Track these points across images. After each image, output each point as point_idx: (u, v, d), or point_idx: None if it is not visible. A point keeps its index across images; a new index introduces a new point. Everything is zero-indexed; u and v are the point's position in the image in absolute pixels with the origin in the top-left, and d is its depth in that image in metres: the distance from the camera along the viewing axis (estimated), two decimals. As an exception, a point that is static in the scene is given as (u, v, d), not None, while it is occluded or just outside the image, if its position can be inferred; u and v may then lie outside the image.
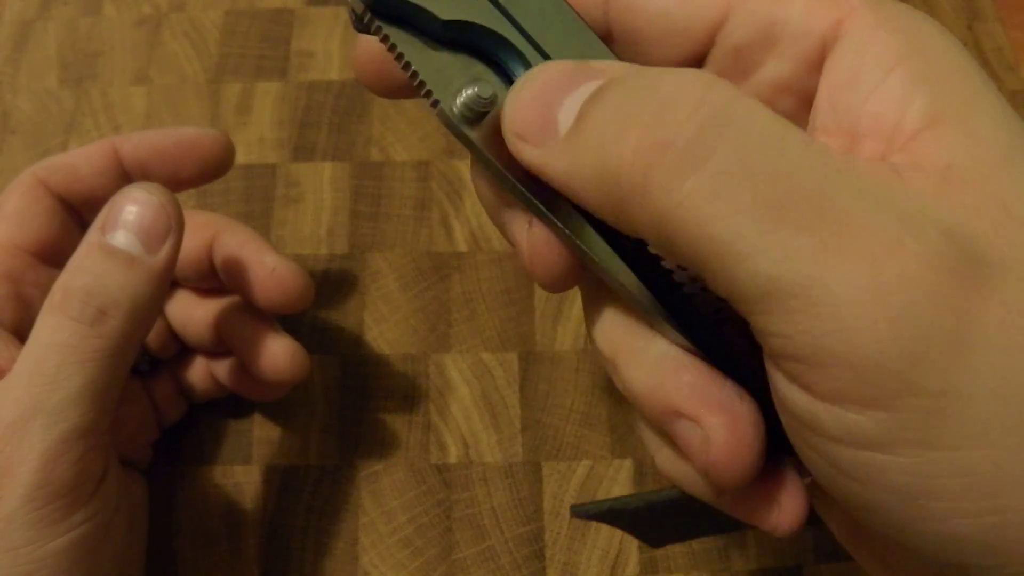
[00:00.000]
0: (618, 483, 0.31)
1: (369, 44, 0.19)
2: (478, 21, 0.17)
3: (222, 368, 0.29)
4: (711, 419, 0.16)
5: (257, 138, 0.36)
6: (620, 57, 0.18)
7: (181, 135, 0.27)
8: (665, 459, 0.19)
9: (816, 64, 0.17)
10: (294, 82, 0.38)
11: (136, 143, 0.27)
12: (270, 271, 0.27)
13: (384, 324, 0.33)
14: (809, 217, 0.13)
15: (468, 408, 0.32)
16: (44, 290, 0.24)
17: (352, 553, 0.30)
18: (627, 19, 0.18)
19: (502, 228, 0.19)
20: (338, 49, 0.38)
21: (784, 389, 0.15)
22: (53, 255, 0.26)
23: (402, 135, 0.37)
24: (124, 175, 0.27)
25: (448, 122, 0.17)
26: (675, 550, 0.30)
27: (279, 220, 0.35)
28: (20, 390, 0.21)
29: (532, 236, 0.18)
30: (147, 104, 0.37)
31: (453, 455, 0.31)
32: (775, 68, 0.18)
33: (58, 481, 0.21)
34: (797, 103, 0.18)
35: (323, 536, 0.30)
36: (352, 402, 0.32)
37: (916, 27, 0.16)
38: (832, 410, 0.14)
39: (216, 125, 0.37)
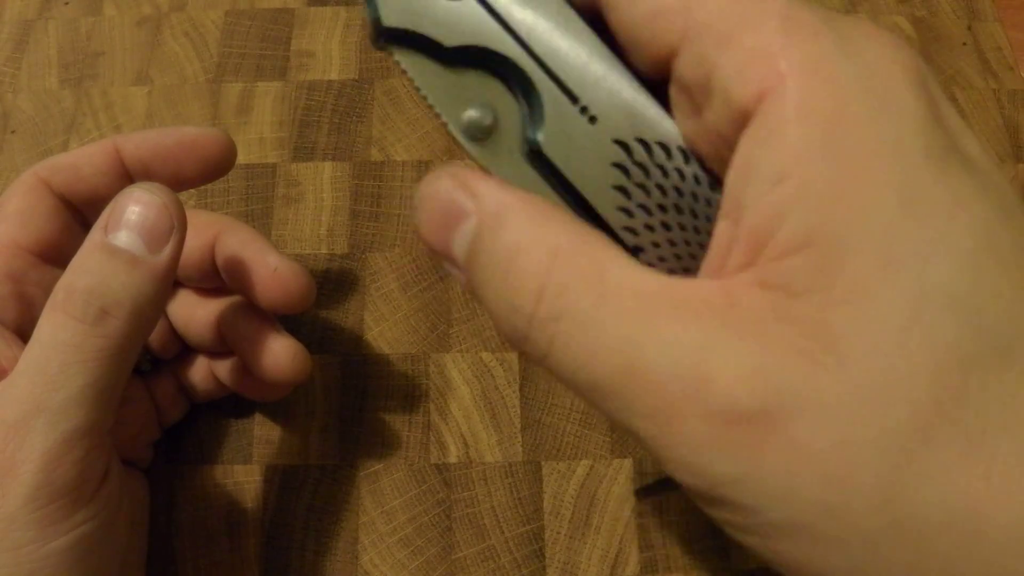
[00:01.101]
0: (618, 483, 0.31)
1: None
2: (482, 44, 0.18)
3: (223, 368, 0.29)
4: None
5: (257, 138, 0.36)
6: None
7: (183, 134, 0.27)
8: None
9: (742, 127, 0.16)
10: (294, 82, 0.38)
11: (138, 143, 0.27)
12: (272, 271, 0.27)
13: (384, 324, 0.33)
14: (625, 387, 0.15)
15: (468, 408, 0.32)
16: (47, 290, 0.24)
17: (352, 553, 0.30)
18: (611, 19, 0.18)
19: None
20: (338, 49, 0.38)
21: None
22: (55, 255, 0.26)
23: (402, 135, 0.37)
24: (126, 175, 0.27)
25: (455, 141, 0.18)
26: (675, 550, 0.30)
27: (279, 220, 0.35)
28: (22, 389, 0.21)
29: None
30: (147, 104, 0.37)
31: (453, 455, 0.31)
32: (711, 118, 0.16)
33: (60, 481, 0.21)
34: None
35: (323, 536, 0.30)
36: (352, 402, 0.32)
37: (841, 106, 0.15)
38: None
39: (216, 125, 0.37)
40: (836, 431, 0.14)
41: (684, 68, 0.16)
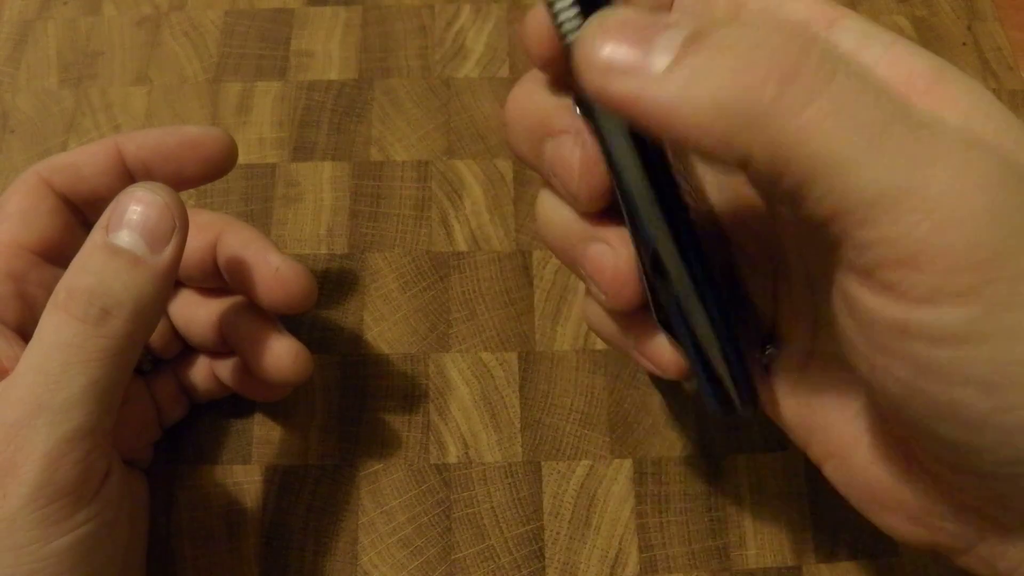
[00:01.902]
0: (618, 483, 0.31)
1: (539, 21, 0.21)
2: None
3: (224, 368, 0.29)
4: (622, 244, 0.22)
5: (257, 138, 0.36)
6: None
7: (184, 134, 0.27)
8: (587, 310, 0.25)
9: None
10: (294, 82, 0.38)
11: (139, 142, 0.27)
12: (274, 271, 0.27)
13: (384, 324, 0.33)
14: (909, 133, 0.16)
15: (468, 408, 0.32)
16: (48, 289, 0.24)
17: (352, 553, 0.30)
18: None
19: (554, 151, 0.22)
20: (338, 49, 0.38)
21: (873, 303, 0.17)
22: (56, 254, 0.26)
23: (402, 135, 0.37)
24: (127, 174, 0.27)
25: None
26: (675, 550, 0.30)
27: (279, 220, 0.35)
28: (24, 389, 0.21)
29: (586, 150, 0.21)
30: (147, 104, 0.37)
31: (453, 455, 0.31)
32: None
33: (62, 480, 0.21)
34: None
35: (323, 536, 0.30)
36: (352, 402, 0.32)
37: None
38: (925, 310, 0.16)
39: (216, 125, 0.37)
40: None
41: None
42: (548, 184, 0.23)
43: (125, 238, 0.22)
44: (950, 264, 0.15)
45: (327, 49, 0.38)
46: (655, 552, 0.30)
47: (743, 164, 0.16)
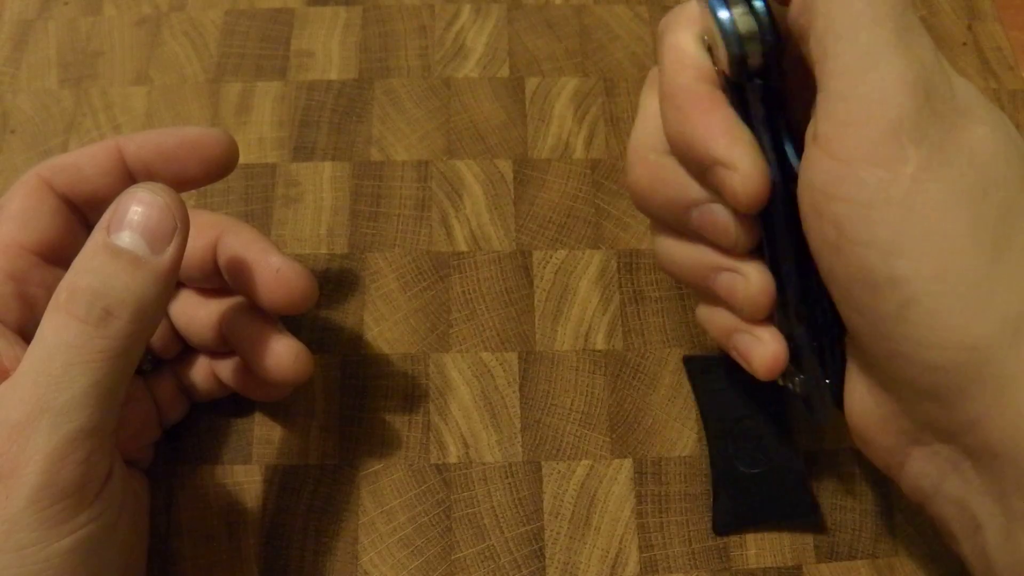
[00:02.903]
0: (618, 483, 0.31)
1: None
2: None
3: (225, 368, 0.29)
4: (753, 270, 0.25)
5: (257, 138, 0.36)
6: None
7: (185, 135, 0.27)
8: (705, 311, 0.27)
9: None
10: (294, 82, 0.38)
11: (140, 143, 0.27)
12: (275, 272, 0.27)
13: (384, 324, 0.33)
14: (897, 29, 0.20)
15: (468, 408, 0.32)
16: (49, 290, 0.24)
17: (352, 553, 0.30)
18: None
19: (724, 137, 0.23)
20: (338, 49, 0.38)
21: (814, 162, 0.21)
22: (58, 255, 0.26)
23: (402, 135, 0.37)
24: (128, 175, 0.27)
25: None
26: (675, 550, 0.30)
27: (279, 220, 0.35)
28: (26, 390, 0.21)
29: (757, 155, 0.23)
30: (147, 104, 0.37)
31: (453, 455, 0.31)
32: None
33: (64, 482, 0.21)
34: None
35: (323, 536, 0.30)
36: (352, 402, 0.32)
37: None
38: (845, 167, 0.20)
39: (216, 125, 0.37)
40: (983, 132, 0.21)
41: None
42: (676, 232, 0.26)
43: (126, 239, 0.22)
44: (872, 134, 0.20)
45: (327, 49, 0.38)
46: (655, 552, 0.30)
47: None
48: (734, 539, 0.30)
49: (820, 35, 0.21)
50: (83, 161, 0.26)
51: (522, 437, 0.31)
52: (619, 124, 0.37)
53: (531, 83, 0.38)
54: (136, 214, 0.22)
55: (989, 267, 0.19)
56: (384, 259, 0.34)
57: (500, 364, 0.32)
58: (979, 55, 0.39)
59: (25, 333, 0.24)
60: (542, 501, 0.30)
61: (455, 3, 0.39)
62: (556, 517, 0.30)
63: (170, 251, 0.23)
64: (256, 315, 0.28)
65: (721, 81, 0.24)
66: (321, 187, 0.35)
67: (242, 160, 0.36)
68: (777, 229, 0.24)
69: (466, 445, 0.31)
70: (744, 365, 0.26)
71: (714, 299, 0.26)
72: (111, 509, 0.22)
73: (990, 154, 0.20)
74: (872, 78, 0.20)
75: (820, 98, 0.21)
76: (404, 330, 0.33)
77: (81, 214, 0.27)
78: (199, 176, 0.27)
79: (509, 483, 0.31)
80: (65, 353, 0.21)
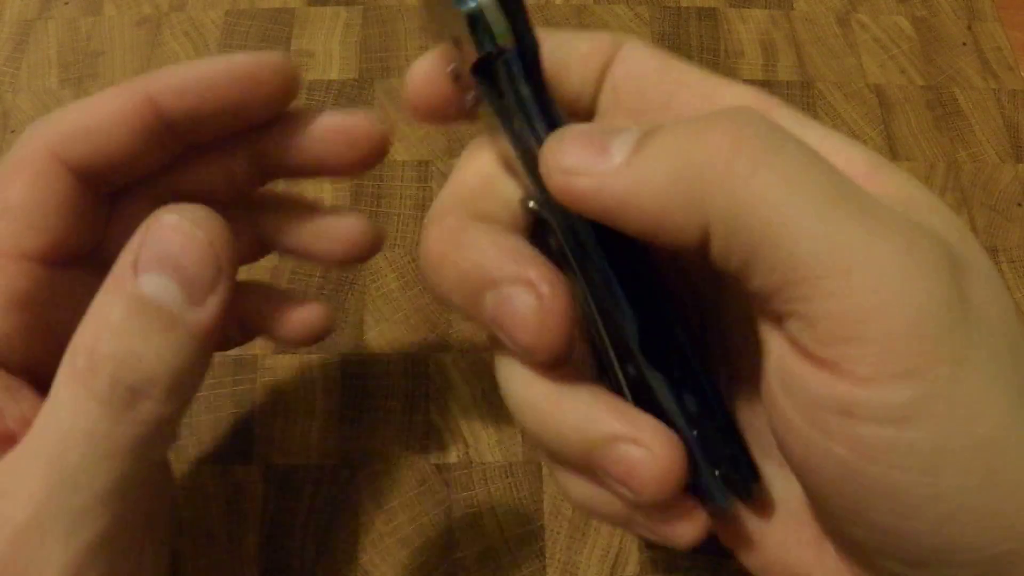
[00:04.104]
0: (618, 483, 0.31)
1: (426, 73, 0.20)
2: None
3: (250, 306, 0.24)
4: (651, 437, 0.18)
5: (257, 138, 0.36)
6: None
7: (233, 67, 0.21)
8: (583, 493, 0.20)
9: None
10: (294, 82, 0.38)
11: (179, 89, 0.20)
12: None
13: (384, 324, 0.33)
14: (856, 210, 0.15)
15: (468, 408, 0.32)
16: (63, 303, 0.20)
17: (352, 553, 0.30)
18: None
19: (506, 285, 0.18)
20: (338, 49, 0.38)
21: (814, 382, 0.16)
22: (71, 253, 0.20)
23: (402, 135, 0.37)
24: (166, 134, 0.21)
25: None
26: (675, 550, 0.30)
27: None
28: (35, 484, 0.17)
29: (543, 300, 0.18)
30: (147, 104, 0.37)
31: (453, 455, 0.31)
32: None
33: None
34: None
35: (323, 536, 0.30)
36: (352, 402, 0.32)
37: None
38: (868, 389, 0.15)
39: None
40: (995, 288, 0.17)
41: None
42: (491, 340, 0.20)
43: (157, 285, 0.18)
44: (894, 344, 0.15)
45: (328, 49, 0.38)
46: (656, 552, 0.30)
47: (701, 241, 0.16)
48: (734, 539, 0.30)
49: (767, 267, 0.16)
50: (103, 124, 0.20)
51: (522, 437, 0.31)
52: (619, 124, 0.37)
53: (531, 83, 0.38)
54: (170, 252, 0.18)
55: None
56: (384, 259, 0.34)
57: (500, 364, 0.32)
58: (979, 55, 0.39)
59: (33, 370, 0.20)
60: (542, 501, 0.30)
61: (455, 3, 0.39)
62: (556, 517, 0.30)
63: (212, 302, 0.18)
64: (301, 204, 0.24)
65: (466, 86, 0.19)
66: (322, 187, 0.35)
67: (242, 160, 0.36)
68: (594, 262, 0.19)
69: (466, 445, 0.31)
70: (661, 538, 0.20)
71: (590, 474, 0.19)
72: None
73: (999, 307, 0.16)
74: (860, 285, 0.15)
75: (796, 322, 0.16)
76: (404, 330, 0.33)
77: (97, 187, 0.21)
78: (256, 117, 0.22)
79: (509, 483, 0.31)
80: (84, 443, 0.17)
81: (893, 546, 0.17)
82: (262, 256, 0.25)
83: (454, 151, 0.36)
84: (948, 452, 0.15)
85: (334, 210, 0.24)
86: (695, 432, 0.19)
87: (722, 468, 0.19)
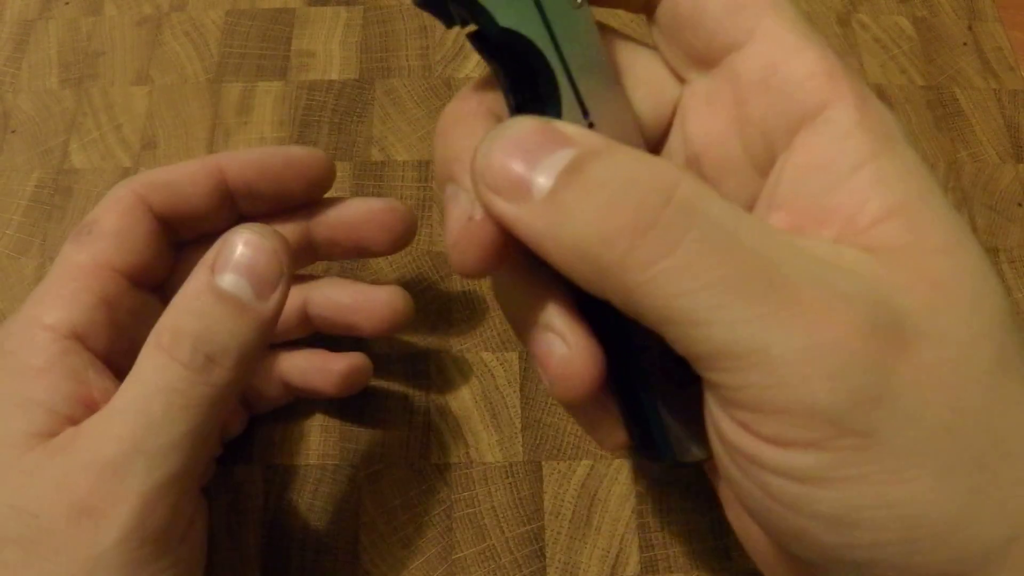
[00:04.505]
0: (619, 482, 0.31)
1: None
2: (530, 38, 0.19)
3: (294, 366, 0.29)
4: (577, 342, 0.19)
5: (258, 138, 0.36)
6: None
7: (291, 155, 0.27)
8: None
9: (792, 129, 0.19)
10: (295, 82, 0.38)
11: (244, 163, 0.26)
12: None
13: (384, 324, 0.33)
14: (760, 291, 0.16)
15: (468, 408, 0.32)
16: (136, 317, 0.24)
17: (352, 552, 0.30)
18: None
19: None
20: (338, 49, 0.38)
21: (729, 430, 0.17)
22: (147, 279, 0.25)
23: (403, 135, 0.37)
24: (229, 196, 0.26)
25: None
26: (676, 550, 0.30)
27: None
28: (123, 428, 0.21)
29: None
30: (148, 104, 0.37)
31: (453, 455, 0.31)
32: (757, 111, 0.19)
33: (153, 525, 0.21)
34: (760, 147, 0.20)
35: (323, 536, 0.30)
36: (352, 402, 0.32)
37: (887, 129, 0.18)
38: (774, 451, 0.16)
39: (217, 125, 0.37)
40: (952, 356, 0.16)
41: (744, 61, 0.19)
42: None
43: (232, 281, 0.22)
44: (794, 420, 0.16)
45: (328, 49, 0.38)
46: (656, 552, 0.30)
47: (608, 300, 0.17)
48: (735, 539, 0.30)
49: (673, 337, 0.17)
50: (182, 180, 0.26)
51: (523, 437, 0.31)
52: (620, 124, 0.37)
53: (532, 83, 0.38)
54: (243, 256, 0.22)
55: (965, 505, 0.16)
56: (385, 259, 0.34)
57: (501, 364, 0.32)
58: (979, 55, 0.39)
59: (111, 360, 0.24)
60: (543, 501, 0.30)
61: (456, 3, 0.39)
62: (557, 517, 0.30)
63: (275, 298, 0.22)
64: (343, 283, 0.29)
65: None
66: (322, 187, 0.35)
67: (243, 160, 0.36)
68: None
69: (466, 445, 0.31)
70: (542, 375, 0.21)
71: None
72: (192, 555, 0.22)
73: (952, 347, 0.16)
74: (762, 366, 0.16)
75: (703, 375, 0.17)
76: (405, 330, 0.33)
77: (172, 233, 0.26)
78: (300, 196, 0.27)
79: (510, 483, 0.31)
80: (166, 396, 0.21)
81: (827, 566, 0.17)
82: (309, 331, 0.30)
83: (454, 151, 0.36)
84: (861, 510, 0.16)
85: (373, 287, 0.29)
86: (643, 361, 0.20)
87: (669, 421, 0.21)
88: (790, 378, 0.15)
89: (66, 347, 0.23)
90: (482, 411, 0.32)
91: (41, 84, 0.38)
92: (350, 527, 0.30)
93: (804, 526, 0.16)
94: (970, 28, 0.40)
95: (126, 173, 0.36)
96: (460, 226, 0.19)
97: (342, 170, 0.36)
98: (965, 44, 0.39)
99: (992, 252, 0.35)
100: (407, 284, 0.34)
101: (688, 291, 0.16)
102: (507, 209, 0.18)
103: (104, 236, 0.24)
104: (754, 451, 0.16)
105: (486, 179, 0.18)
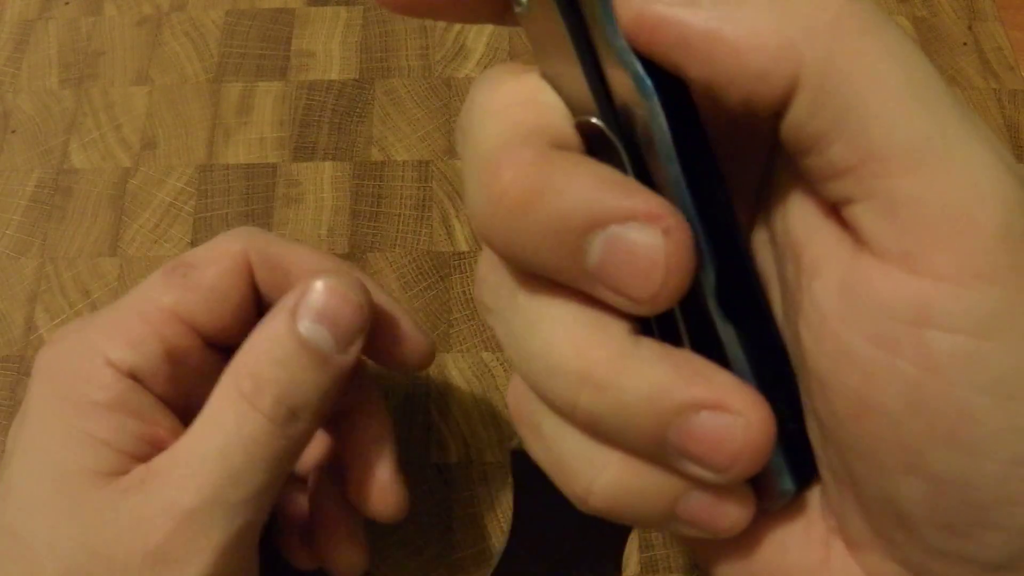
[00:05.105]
0: (618, 483, 0.31)
1: None
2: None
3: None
4: (740, 401, 0.15)
5: (258, 138, 0.36)
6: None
7: (404, 332, 0.25)
8: (623, 483, 0.16)
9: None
10: (294, 82, 0.38)
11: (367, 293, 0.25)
12: (383, 489, 0.25)
13: (384, 324, 0.33)
14: (953, 105, 0.14)
15: (468, 407, 0.32)
16: (198, 374, 0.23)
17: (352, 553, 0.30)
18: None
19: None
20: (338, 49, 0.38)
21: (885, 285, 0.14)
22: (222, 341, 0.24)
23: (402, 135, 0.37)
24: None
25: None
26: (675, 550, 0.30)
27: (280, 220, 0.35)
28: (204, 477, 0.20)
29: (680, 222, 0.15)
30: (148, 104, 0.37)
31: (453, 454, 0.31)
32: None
33: (225, 574, 0.21)
34: None
35: (323, 536, 0.30)
36: (352, 402, 0.32)
37: None
38: (947, 289, 0.13)
39: (217, 125, 0.37)
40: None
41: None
42: (580, 301, 0.16)
43: (315, 331, 0.21)
44: (985, 241, 0.13)
45: (328, 49, 0.38)
46: (655, 552, 0.30)
47: (784, 93, 0.14)
48: (735, 539, 0.30)
49: (856, 133, 0.14)
50: (295, 265, 0.24)
51: (522, 436, 0.31)
52: (620, 124, 0.37)
53: (532, 83, 0.38)
54: (328, 307, 0.21)
55: None
56: (385, 259, 0.34)
57: (500, 364, 0.32)
58: (979, 55, 0.39)
59: (167, 403, 0.23)
60: (542, 501, 0.30)
61: (456, 3, 0.39)
62: (556, 517, 0.30)
63: (352, 350, 0.22)
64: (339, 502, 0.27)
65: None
66: (322, 187, 0.35)
67: (242, 160, 0.36)
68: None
69: (466, 445, 0.31)
70: (705, 531, 0.16)
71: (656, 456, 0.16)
72: None
73: None
74: (957, 172, 0.14)
75: (874, 206, 0.14)
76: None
77: (261, 303, 0.25)
78: (388, 362, 0.26)
79: (509, 483, 0.31)
80: (248, 448, 0.20)
81: (949, 504, 0.14)
82: None
83: (455, 151, 0.36)
84: None
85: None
86: (768, 399, 0.16)
87: (789, 446, 0.16)
88: (990, 189, 0.13)
89: (131, 386, 0.22)
90: (482, 411, 0.32)
91: (41, 84, 0.38)
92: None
93: (966, 406, 0.13)
94: (970, 28, 0.40)
95: (126, 173, 0.36)
96: (660, 249, 0.14)
97: (342, 170, 0.36)
98: (965, 44, 0.39)
99: (992, 252, 0.35)
100: (407, 284, 0.34)
101: (893, 73, 0.14)
102: (670, 7, 0.14)
103: (198, 289, 0.23)
104: (921, 297, 0.14)
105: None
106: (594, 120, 0.16)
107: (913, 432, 0.14)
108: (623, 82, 0.15)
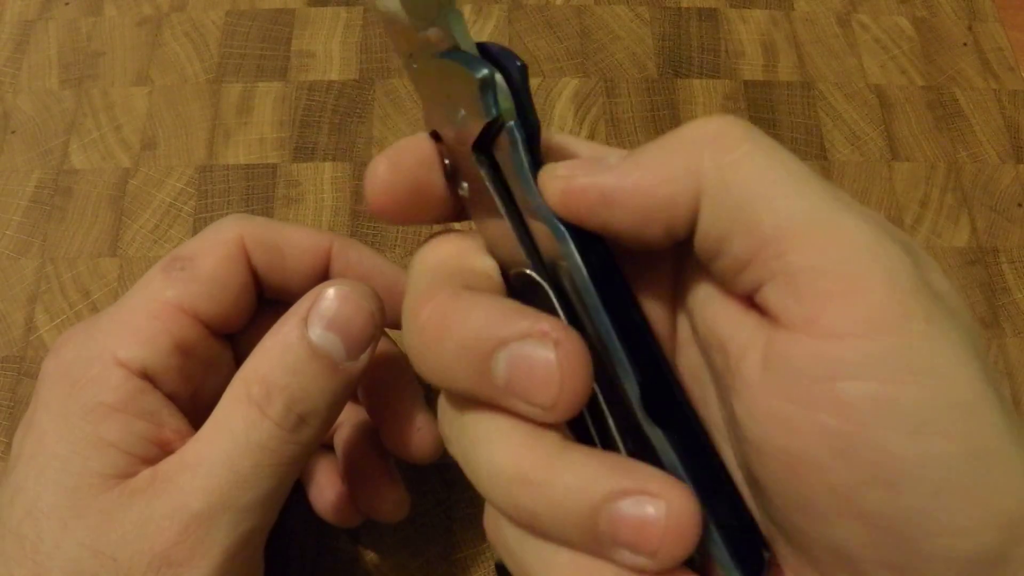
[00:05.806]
0: (618, 483, 0.31)
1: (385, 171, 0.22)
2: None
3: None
4: (661, 487, 0.16)
5: (258, 138, 0.36)
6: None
7: (400, 412, 0.25)
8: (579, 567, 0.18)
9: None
10: (295, 82, 0.38)
11: (354, 264, 0.25)
12: (416, 430, 0.25)
13: (384, 324, 0.33)
14: (829, 191, 0.17)
15: (468, 408, 0.32)
16: (206, 365, 0.23)
17: (352, 553, 0.30)
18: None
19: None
20: (338, 49, 0.38)
21: (800, 348, 0.16)
22: (226, 329, 0.24)
23: (402, 135, 0.37)
24: (326, 277, 0.25)
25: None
26: (675, 550, 0.30)
27: (280, 220, 0.35)
28: (211, 482, 0.20)
29: (570, 336, 0.17)
30: (148, 104, 0.37)
31: (453, 455, 0.31)
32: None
33: None
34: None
35: (323, 536, 0.30)
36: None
37: None
38: (847, 343, 0.15)
39: (217, 125, 0.37)
40: None
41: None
42: (494, 413, 0.18)
43: (325, 338, 0.21)
44: (871, 296, 0.15)
45: (328, 49, 0.38)
46: (656, 552, 0.30)
47: (693, 211, 0.17)
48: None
49: (752, 224, 0.16)
50: (292, 250, 0.25)
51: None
52: (620, 125, 0.37)
53: (531, 84, 0.38)
54: (340, 314, 0.21)
55: (1007, 431, 0.15)
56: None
57: (501, 364, 0.32)
58: (979, 55, 0.39)
59: (176, 401, 0.23)
60: (543, 501, 0.30)
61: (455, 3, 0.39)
62: (557, 517, 0.30)
63: (363, 358, 0.22)
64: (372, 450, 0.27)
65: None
66: (322, 187, 0.35)
67: (243, 160, 0.36)
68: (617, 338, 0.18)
69: (466, 445, 0.31)
70: None
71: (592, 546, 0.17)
72: None
73: (954, 299, 0.17)
74: (842, 240, 0.16)
75: (777, 284, 0.16)
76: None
77: (261, 289, 0.25)
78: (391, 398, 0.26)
79: (509, 483, 0.31)
80: (256, 454, 0.21)
81: (887, 542, 0.16)
82: None
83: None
84: (930, 410, 0.15)
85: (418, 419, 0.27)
86: (701, 497, 0.17)
87: (732, 538, 0.17)
88: (870, 253, 0.16)
89: (140, 386, 0.22)
90: (482, 411, 0.32)
91: (41, 84, 0.38)
92: (350, 527, 0.30)
93: (882, 444, 0.15)
94: (970, 28, 0.40)
95: (126, 173, 0.36)
96: (553, 362, 0.16)
97: (342, 170, 0.36)
98: (965, 44, 0.40)
99: (992, 252, 0.35)
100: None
101: (771, 169, 0.17)
102: (586, 178, 0.18)
103: (198, 280, 0.23)
104: (827, 355, 0.15)
105: (561, 172, 0.18)
106: (526, 271, 0.19)
107: (841, 477, 0.15)
108: (544, 233, 0.18)
